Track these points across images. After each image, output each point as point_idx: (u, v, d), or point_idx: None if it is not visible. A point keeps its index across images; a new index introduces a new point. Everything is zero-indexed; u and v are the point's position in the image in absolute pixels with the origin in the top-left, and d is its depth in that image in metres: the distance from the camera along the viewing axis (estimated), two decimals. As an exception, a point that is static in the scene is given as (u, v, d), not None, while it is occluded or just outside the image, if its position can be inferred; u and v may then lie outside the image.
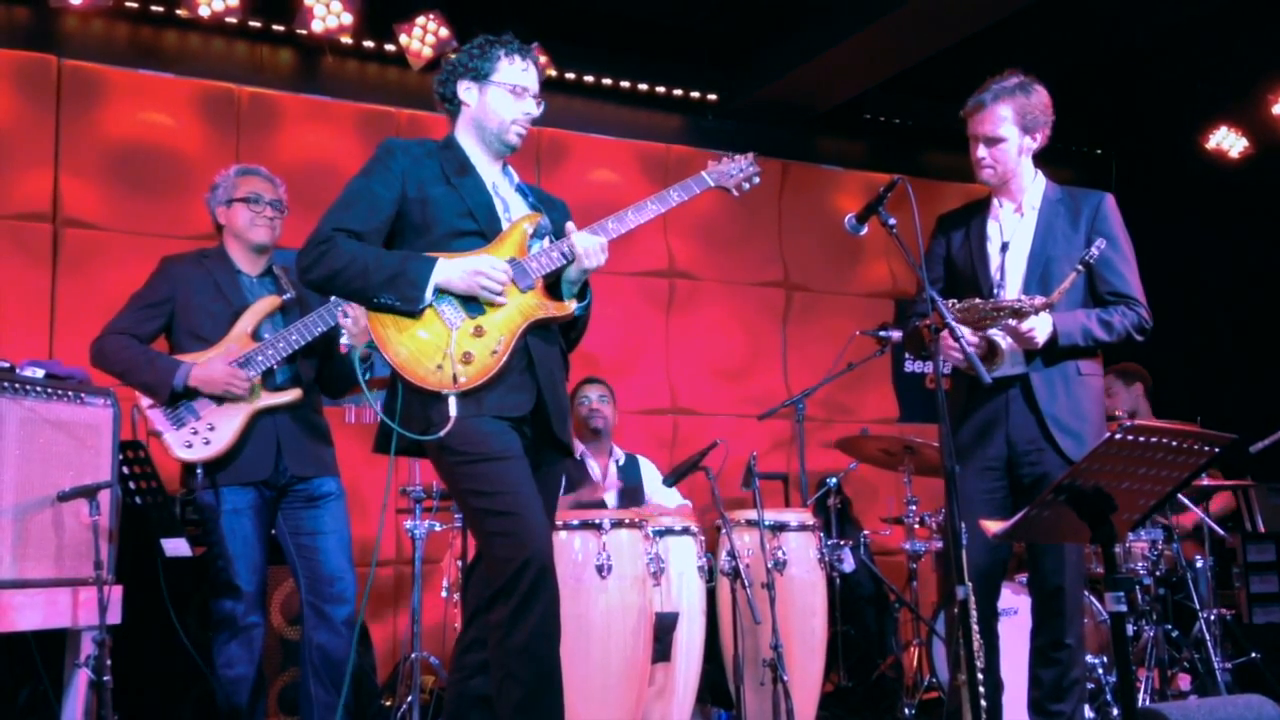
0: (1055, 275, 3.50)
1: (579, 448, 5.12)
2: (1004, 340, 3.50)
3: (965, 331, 3.34)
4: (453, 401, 2.83)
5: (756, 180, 3.34)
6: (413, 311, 2.88)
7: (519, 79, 3.12)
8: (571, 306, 3.06)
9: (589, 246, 3.02)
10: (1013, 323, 3.41)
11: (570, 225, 3.08)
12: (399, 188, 2.99)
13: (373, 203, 2.97)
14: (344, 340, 3.86)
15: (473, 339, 2.90)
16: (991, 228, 3.71)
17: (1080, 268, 3.40)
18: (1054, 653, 3.50)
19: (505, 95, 3.10)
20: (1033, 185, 3.69)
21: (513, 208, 3.13)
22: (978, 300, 3.44)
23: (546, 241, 3.10)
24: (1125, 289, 3.57)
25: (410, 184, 3.00)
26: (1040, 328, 3.44)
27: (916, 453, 5.25)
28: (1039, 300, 3.39)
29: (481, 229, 3.02)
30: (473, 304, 2.94)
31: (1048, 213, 3.64)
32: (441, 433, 2.81)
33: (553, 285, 3.09)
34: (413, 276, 2.87)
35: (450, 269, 2.90)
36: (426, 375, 2.85)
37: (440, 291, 2.91)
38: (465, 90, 3.11)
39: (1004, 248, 3.64)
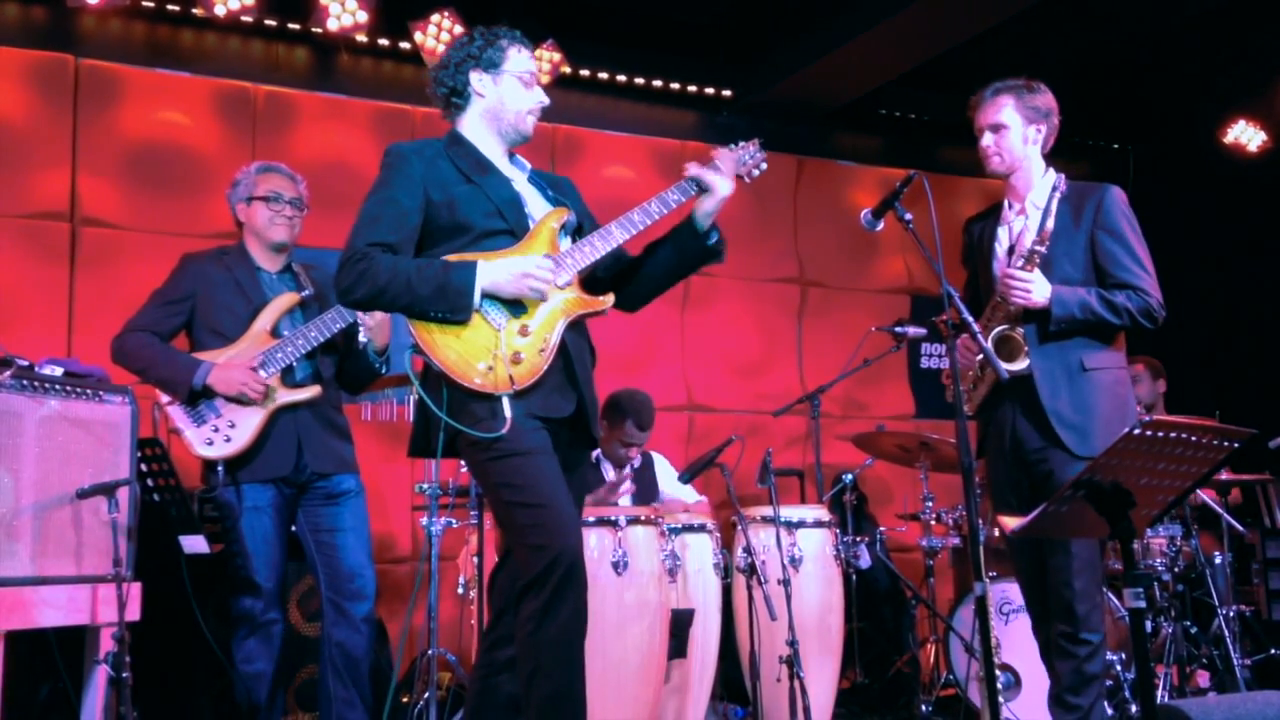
0: (1056, 274, 3.52)
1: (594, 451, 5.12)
2: (1017, 333, 3.53)
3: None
4: (506, 402, 2.83)
5: (764, 166, 3.29)
6: (464, 320, 2.87)
7: (528, 66, 3.13)
8: (608, 301, 3.06)
9: (718, 179, 3.07)
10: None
11: (692, 166, 3.11)
12: (421, 194, 2.95)
13: (399, 213, 2.93)
14: (362, 336, 3.89)
15: (519, 338, 2.90)
16: (1001, 231, 3.75)
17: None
18: (1069, 645, 3.50)
19: (518, 84, 3.10)
20: (1039, 185, 3.68)
21: (530, 203, 3.10)
22: (987, 318, 3.57)
23: (569, 241, 3.09)
24: (1131, 279, 3.53)
25: (432, 188, 2.96)
26: (1039, 286, 3.47)
27: (933, 449, 5.23)
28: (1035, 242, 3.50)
29: (510, 227, 3.00)
30: (514, 303, 2.93)
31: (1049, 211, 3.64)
32: (502, 430, 2.80)
33: (586, 280, 3.08)
34: (458, 285, 2.85)
35: (495, 273, 2.88)
36: (477, 377, 2.84)
37: (483, 294, 2.90)
38: (478, 81, 3.08)
39: (1010, 250, 3.68)
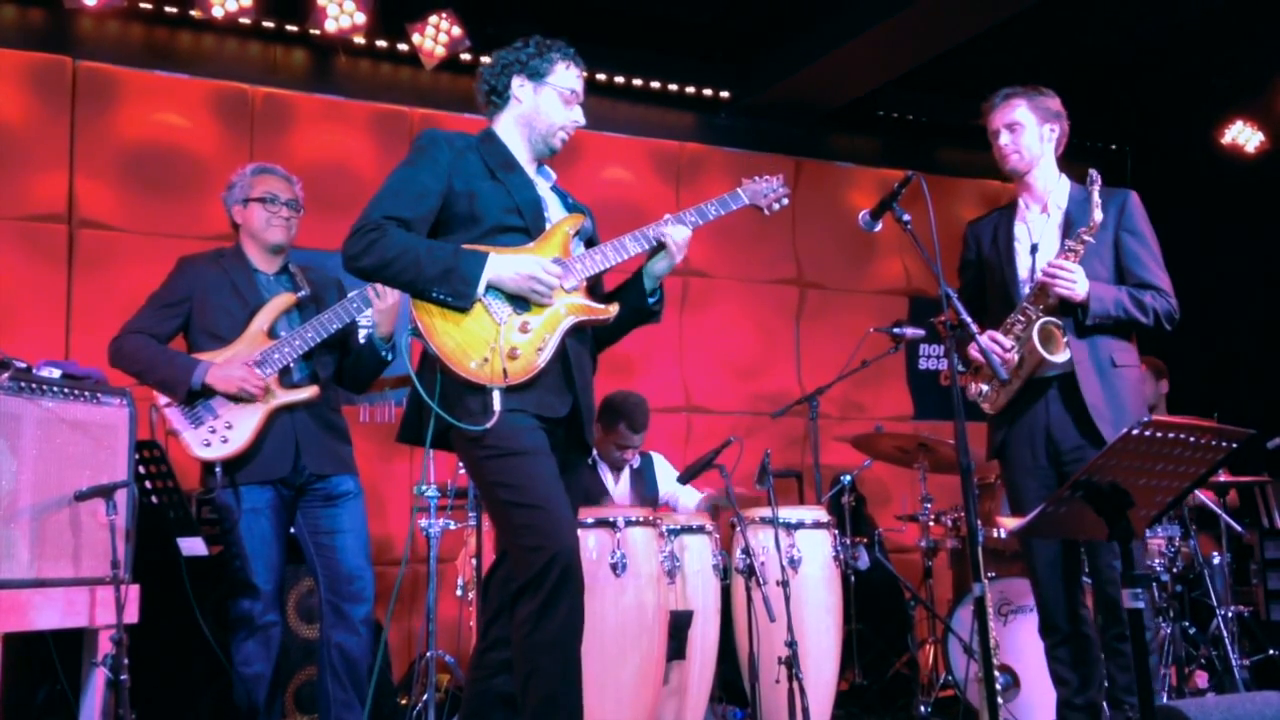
0: (1086, 271, 3.58)
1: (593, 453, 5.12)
2: (1057, 328, 3.60)
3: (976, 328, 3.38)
4: (497, 396, 2.83)
5: (785, 201, 3.35)
6: (464, 307, 2.88)
7: (573, 84, 3.16)
8: (612, 310, 3.07)
9: (681, 238, 3.10)
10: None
11: (668, 216, 3.14)
12: (445, 179, 2.98)
13: (420, 192, 2.96)
14: (363, 329, 3.88)
15: (519, 334, 2.92)
16: (1019, 230, 3.80)
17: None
18: (1122, 645, 3.56)
19: (557, 99, 3.14)
20: (1058, 186, 3.79)
21: (550, 207, 3.14)
22: (1022, 310, 3.61)
23: (582, 248, 3.12)
24: (1153, 280, 3.65)
25: (456, 176, 2.99)
26: (1081, 279, 3.53)
27: (931, 450, 5.23)
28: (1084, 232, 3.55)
29: (526, 226, 3.03)
30: (519, 300, 2.95)
31: (1073, 212, 3.71)
32: (488, 424, 2.81)
33: (590, 289, 3.10)
34: (465, 272, 2.87)
35: (502, 267, 2.91)
36: (472, 368, 2.85)
37: (488, 286, 2.91)
38: (519, 86, 3.13)
39: (1034, 249, 3.72)
